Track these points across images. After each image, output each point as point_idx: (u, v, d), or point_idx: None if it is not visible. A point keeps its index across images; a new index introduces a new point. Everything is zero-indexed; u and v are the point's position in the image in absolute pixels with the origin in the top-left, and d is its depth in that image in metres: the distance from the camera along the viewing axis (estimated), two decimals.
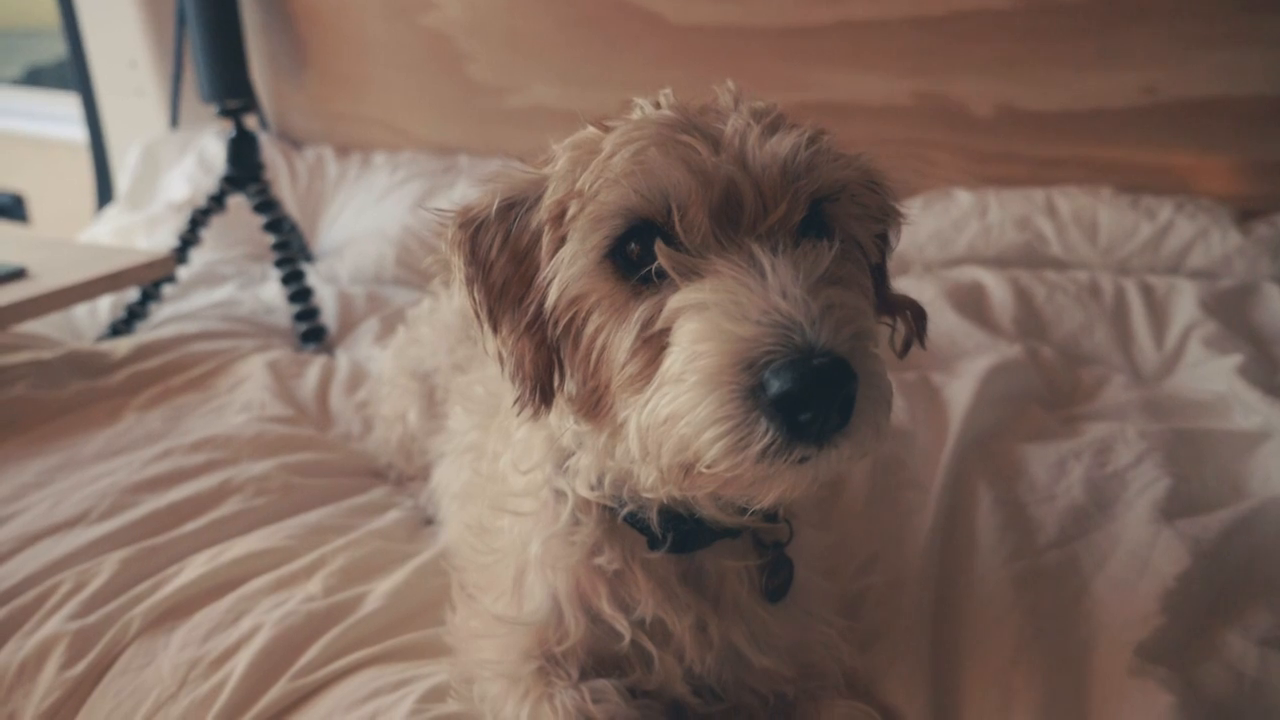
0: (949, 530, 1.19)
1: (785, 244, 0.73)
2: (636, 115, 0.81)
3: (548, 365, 0.81)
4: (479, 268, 0.82)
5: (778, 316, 0.66)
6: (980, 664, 0.97)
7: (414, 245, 2.28)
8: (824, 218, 0.78)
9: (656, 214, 0.74)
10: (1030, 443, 1.38)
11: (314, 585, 1.14)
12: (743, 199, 0.73)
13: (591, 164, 0.77)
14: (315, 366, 1.80)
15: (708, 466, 0.68)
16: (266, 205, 2.18)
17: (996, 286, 1.83)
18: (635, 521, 0.88)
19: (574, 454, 0.89)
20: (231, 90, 2.20)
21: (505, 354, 0.82)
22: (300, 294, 2.05)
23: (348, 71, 2.76)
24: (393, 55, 2.68)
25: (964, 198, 2.03)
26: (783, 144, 0.75)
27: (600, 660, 0.93)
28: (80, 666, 1.04)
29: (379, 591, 1.14)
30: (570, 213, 0.77)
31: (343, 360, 1.86)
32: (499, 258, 0.81)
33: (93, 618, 1.09)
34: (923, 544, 1.16)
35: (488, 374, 1.16)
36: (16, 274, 1.70)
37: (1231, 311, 1.71)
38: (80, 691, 1.03)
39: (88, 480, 1.35)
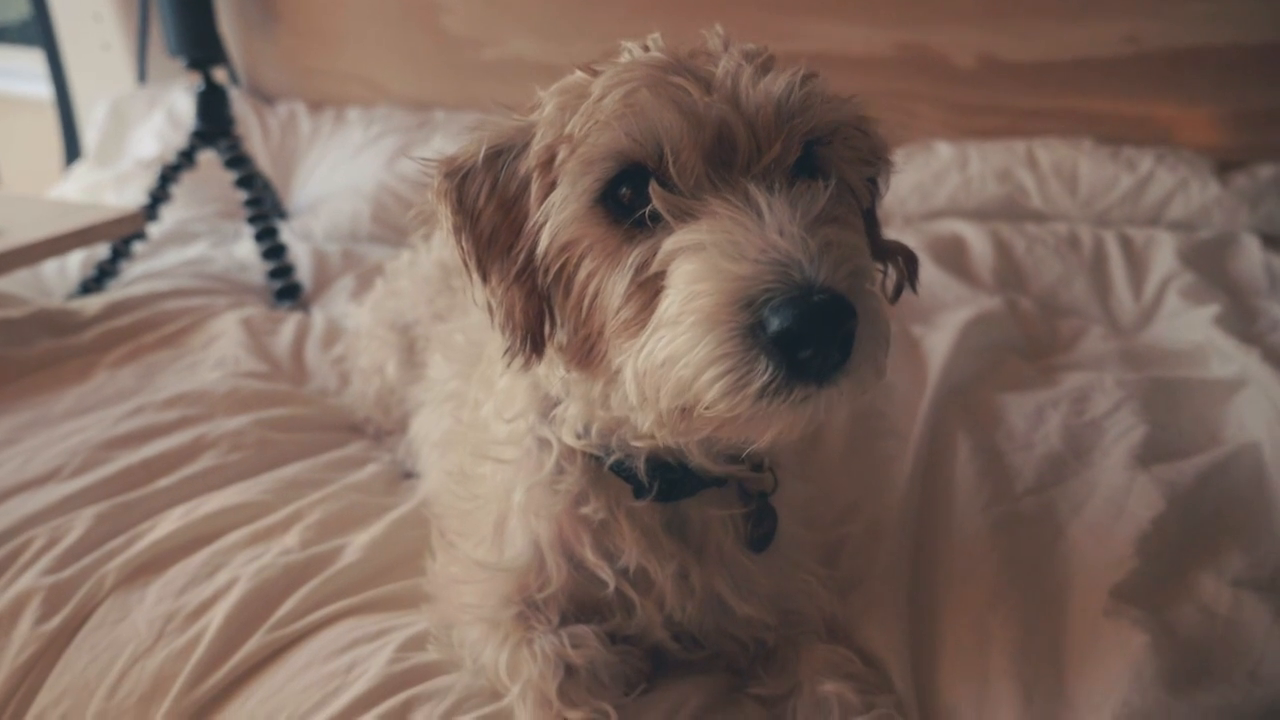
0: (927, 478, 1.19)
1: (780, 184, 0.71)
2: (625, 59, 0.79)
3: (538, 314, 0.79)
4: (466, 216, 0.80)
5: (776, 254, 0.65)
6: (958, 607, 0.98)
7: (390, 202, 2.25)
8: (817, 159, 0.77)
9: (648, 157, 0.72)
10: (1008, 392, 1.38)
11: (291, 538, 1.13)
12: (736, 139, 0.72)
13: (581, 108, 0.75)
14: (290, 323, 1.77)
15: (707, 408, 0.68)
16: (238, 161, 2.14)
17: (976, 239, 1.83)
18: (621, 470, 0.88)
19: (560, 402, 0.89)
20: (199, 43, 2.15)
21: (495, 303, 0.80)
22: (274, 251, 2.02)
23: (320, 25, 2.70)
24: (366, 8, 2.63)
25: (945, 150, 2.02)
26: (776, 83, 0.74)
27: (581, 606, 0.94)
28: (55, 621, 1.03)
29: (357, 544, 1.13)
30: (560, 158, 0.75)
31: (318, 317, 1.84)
32: (487, 206, 0.80)
33: (67, 572, 1.08)
34: (901, 492, 1.16)
35: (468, 322, 1.15)
36: None
37: (1209, 262, 1.72)
38: (55, 646, 1.03)
39: (59, 437, 1.33)
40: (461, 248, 0.81)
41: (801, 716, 0.88)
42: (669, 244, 0.70)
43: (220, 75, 2.22)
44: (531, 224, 0.77)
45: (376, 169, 2.37)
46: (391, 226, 2.21)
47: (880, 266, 0.88)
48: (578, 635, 0.90)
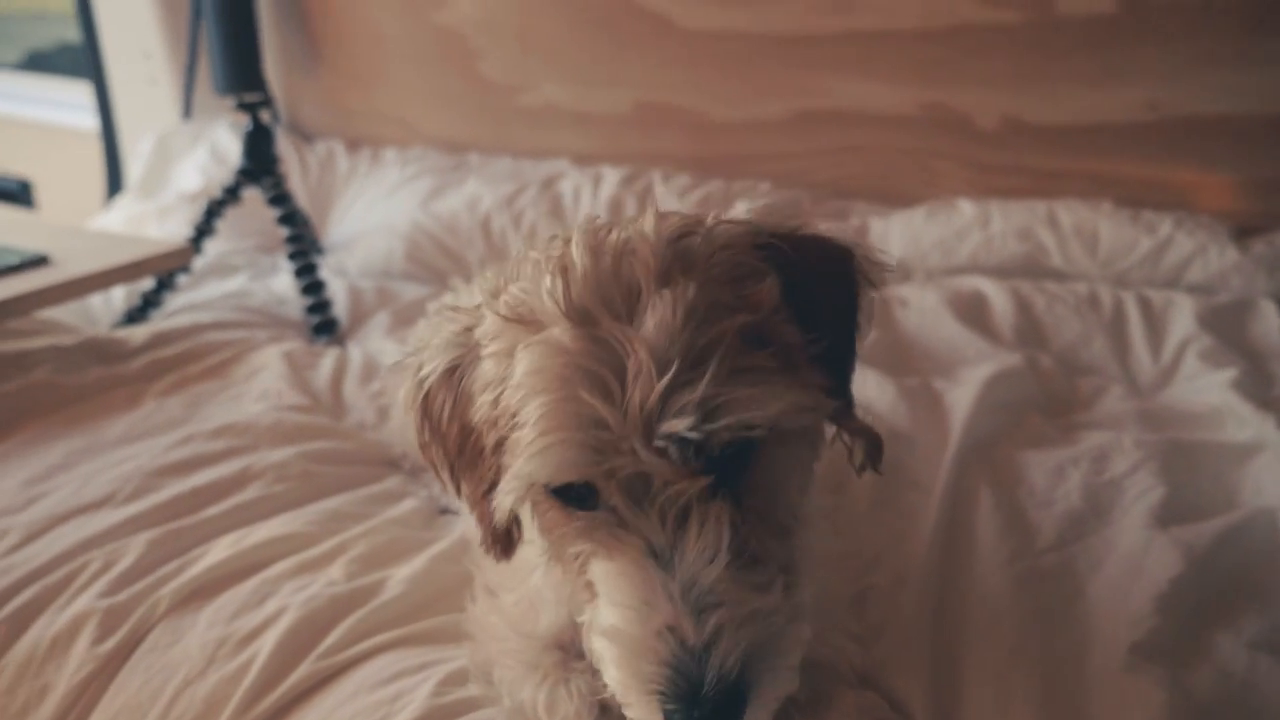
0: (950, 533, 1.23)
1: (693, 506, 0.75)
2: (545, 298, 0.79)
3: (506, 526, 0.87)
4: (434, 432, 0.87)
5: (668, 653, 0.73)
6: (980, 661, 1.01)
7: (423, 241, 2.31)
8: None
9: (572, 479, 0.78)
10: (1030, 449, 1.42)
11: (336, 570, 1.17)
12: (650, 478, 0.75)
13: (509, 382, 0.78)
14: (329, 358, 1.83)
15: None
16: (281, 198, 2.21)
17: (997, 295, 1.87)
18: None
19: None
20: (246, 83, 2.23)
21: (469, 506, 0.88)
22: (313, 286, 2.08)
23: (360, 66, 2.79)
24: (405, 51, 2.71)
25: (967, 208, 2.07)
26: (674, 434, 0.73)
27: None
28: (111, 643, 1.08)
29: (399, 577, 1.18)
30: (501, 425, 0.80)
31: (355, 352, 1.89)
32: (450, 426, 0.86)
33: (122, 595, 1.13)
34: (925, 545, 1.20)
35: None
36: (40, 261, 1.73)
37: (1228, 326, 1.75)
38: (110, 667, 1.07)
39: (113, 463, 1.38)
40: (433, 461, 0.88)
41: None
42: (593, 570, 0.79)
43: (264, 115, 2.30)
44: (489, 457, 0.83)
45: (411, 208, 2.44)
46: (424, 265, 2.28)
47: (847, 442, 0.91)
48: None
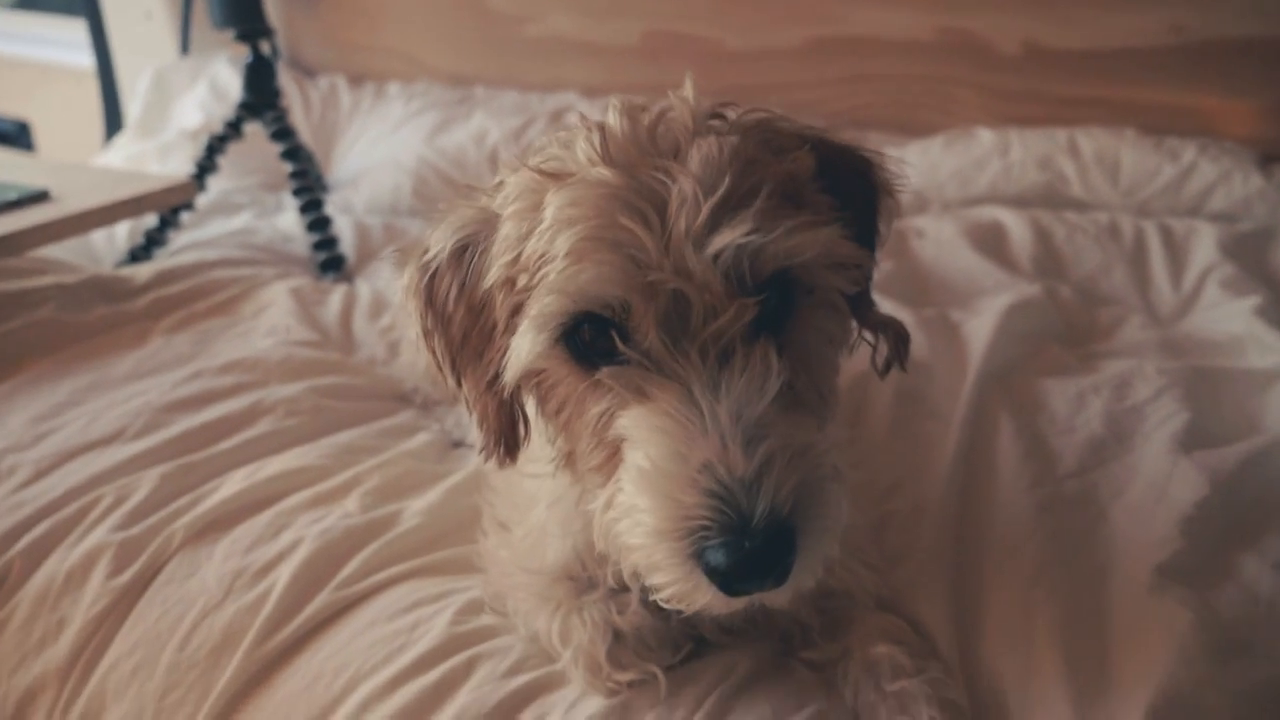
0: (970, 459, 1.21)
1: (737, 346, 0.71)
2: (580, 153, 0.76)
3: (510, 421, 0.82)
4: (437, 318, 0.81)
5: (714, 484, 0.67)
6: (1002, 583, 1.01)
7: (430, 176, 2.27)
8: (792, 272, 0.75)
9: (603, 312, 0.72)
10: (1050, 377, 1.40)
11: (350, 502, 1.17)
12: (690, 307, 0.71)
13: (535, 231, 0.74)
14: (337, 294, 1.81)
15: (657, 591, 0.72)
16: (283, 133, 2.17)
17: (1016, 225, 1.84)
18: None
19: None
20: (243, 16, 2.17)
21: (470, 403, 0.82)
22: (319, 223, 2.05)
23: (362, 0, 2.73)
24: None
25: (986, 136, 2.03)
26: (727, 245, 0.70)
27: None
28: (126, 575, 1.07)
29: (414, 509, 1.17)
30: (520, 284, 0.76)
31: (363, 288, 1.87)
32: (457, 308, 0.80)
33: (136, 529, 1.12)
34: (945, 472, 1.19)
35: None
36: (39, 196, 1.70)
37: (1250, 254, 1.72)
38: (127, 599, 1.07)
39: (121, 400, 1.37)
40: (434, 352, 0.82)
41: (852, 678, 0.90)
42: (622, 424, 0.72)
43: (264, 47, 2.25)
44: (499, 341, 0.78)
45: (417, 143, 2.40)
46: (431, 201, 2.23)
47: (870, 340, 0.88)
48: (624, 602, 0.93)
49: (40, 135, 3.37)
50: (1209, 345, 1.52)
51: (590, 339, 0.74)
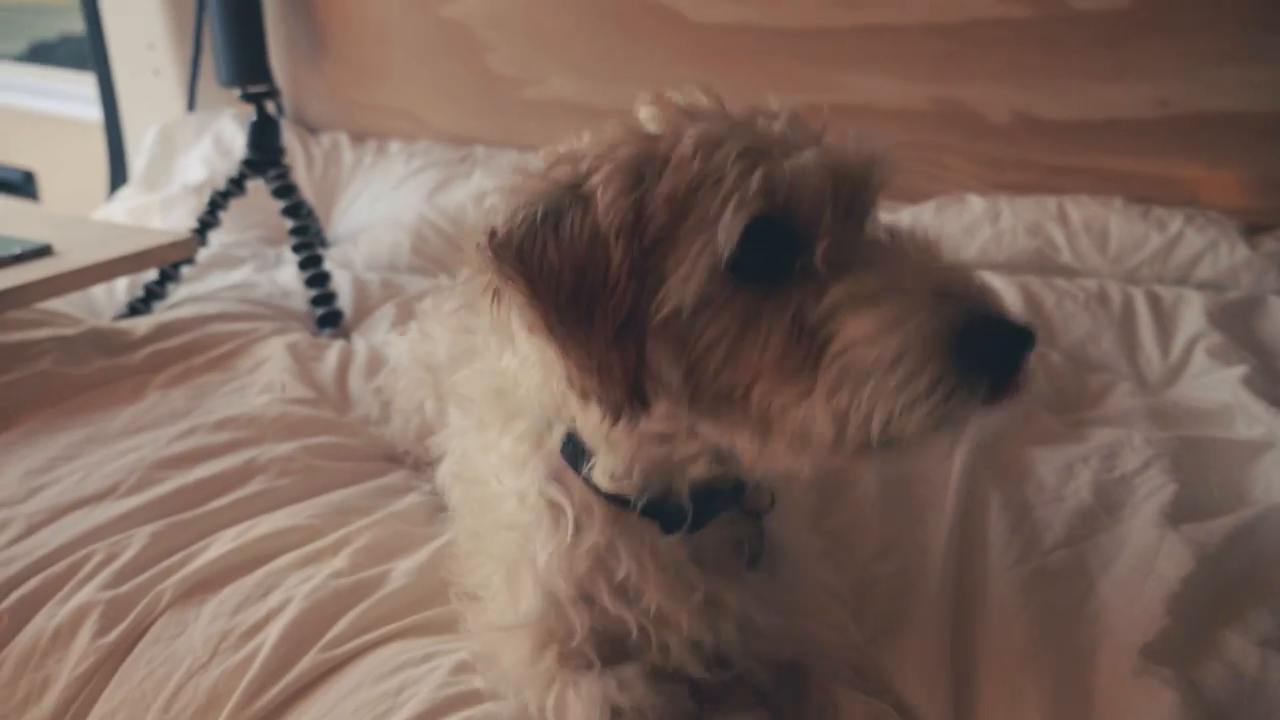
0: (962, 531, 1.22)
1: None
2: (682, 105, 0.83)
3: (638, 370, 0.78)
4: (542, 283, 0.77)
5: (953, 294, 0.71)
6: (992, 664, 1.01)
7: (429, 234, 2.30)
8: None
9: (778, 213, 0.74)
10: (1039, 446, 1.41)
11: (340, 561, 1.17)
12: (859, 186, 0.78)
13: (666, 171, 0.76)
14: (334, 350, 1.82)
15: (901, 430, 0.71)
16: (286, 190, 2.20)
17: (1007, 291, 1.86)
18: (650, 509, 0.90)
19: (585, 456, 0.90)
20: (251, 75, 2.22)
21: (577, 368, 0.78)
22: (318, 278, 2.07)
23: (366, 59, 2.78)
24: (412, 44, 2.70)
25: (977, 203, 2.06)
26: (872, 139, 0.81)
27: (612, 645, 0.95)
28: (113, 635, 1.07)
29: (402, 569, 1.17)
30: (658, 221, 0.75)
31: (360, 345, 1.88)
32: (562, 269, 0.77)
33: (125, 588, 1.12)
34: (935, 541, 1.19)
35: (477, 369, 1.12)
36: (42, 251, 1.72)
37: (1237, 323, 1.74)
38: (113, 659, 1.06)
39: (115, 455, 1.37)
40: (541, 318, 0.78)
41: None
42: (837, 293, 0.73)
43: (269, 106, 2.29)
44: (619, 285, 0.76)
45: (417, 201, 2.43)
46: (430, 258, 2.26)
47: None
48: (624, 679, 0.92)
49: (46, 186, 3.41)
50: (1198, 414, 1.53)
51: (759, 260, 0.75)
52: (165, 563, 1.16)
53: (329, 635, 1.05)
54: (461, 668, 1.00)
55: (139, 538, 1.19)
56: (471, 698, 0.97)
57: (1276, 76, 1.87)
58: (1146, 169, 2.01)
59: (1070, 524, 1.21)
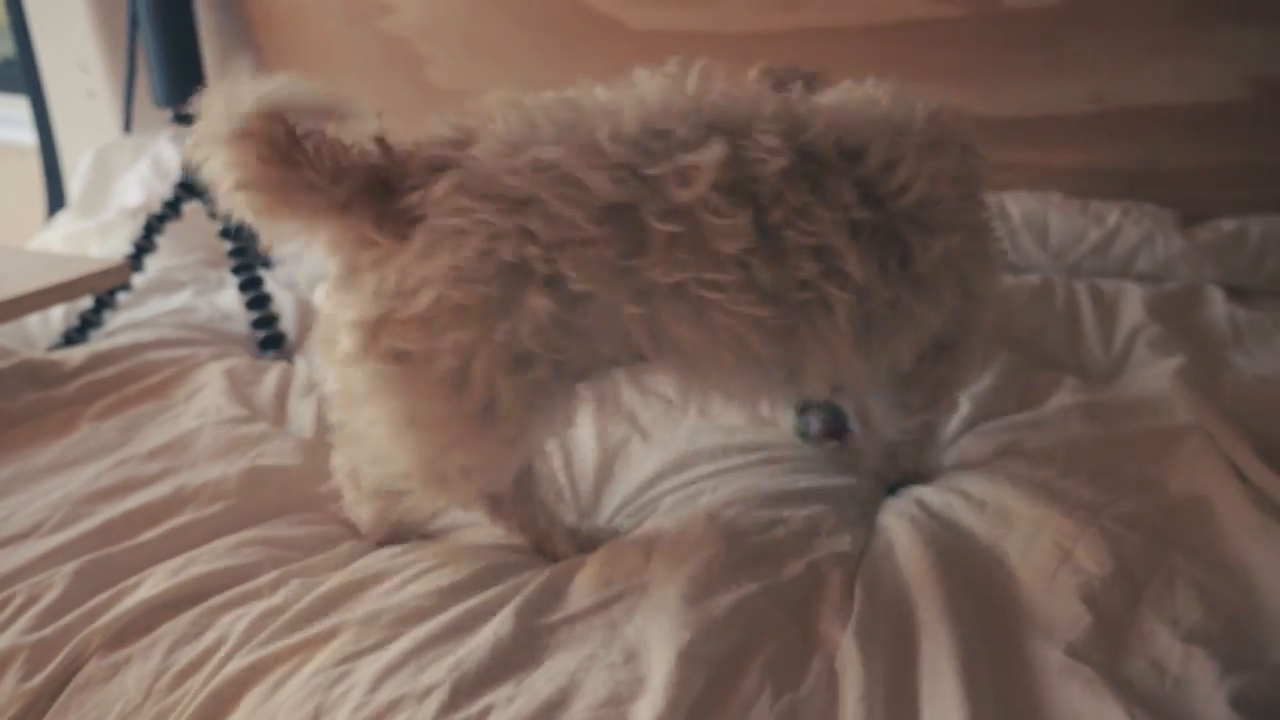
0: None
1: None
2: None
3: None
4: None
5: None
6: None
7: None
8: None
9: None
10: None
11: (277, 597, 1.13)
12: None
13: None
14: (274, 372, 1.78)
15: None
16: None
17: None
18: None
19: None
20: (186, 94, 2.16)
21: None
22: (258, 300, 2.04)
23: (306, 75, 2.74)
24: (352, 59, 2.67)
25: None
26: None
27: None
28: (39, 679, 1.03)
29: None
30: None
31: (301, 365, 1.85)
32: None
33: (49, 630, 1.08)
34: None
35: None
36: None
37: (1176, 314, 1.76)
38: (40, 704, 1.02)
39: (42, 493, 1.33)
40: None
41: None
42: None
43: None
44: None
45: None
46: None
47: None
48: None
49: None
50: (1137, 407, 1.53)
51: None
52: (92, 602, 1.12)
53: (269, 678, 1.02)
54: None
55: (62, 577, 1.14)
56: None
57: (1206, 68, 1.90)
58: (1083, 163, 2.03)
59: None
